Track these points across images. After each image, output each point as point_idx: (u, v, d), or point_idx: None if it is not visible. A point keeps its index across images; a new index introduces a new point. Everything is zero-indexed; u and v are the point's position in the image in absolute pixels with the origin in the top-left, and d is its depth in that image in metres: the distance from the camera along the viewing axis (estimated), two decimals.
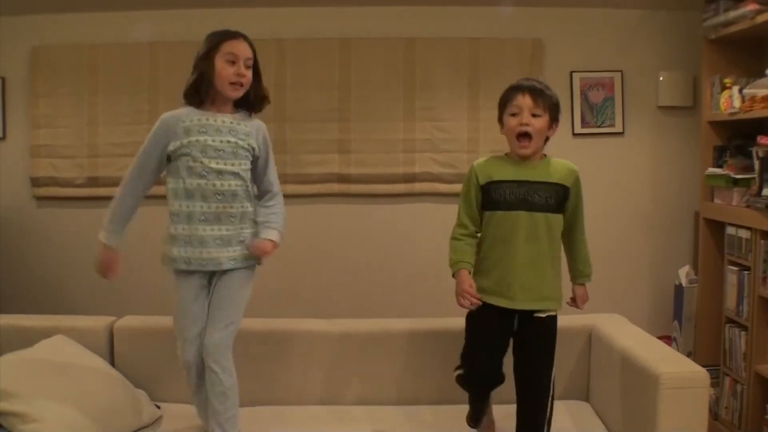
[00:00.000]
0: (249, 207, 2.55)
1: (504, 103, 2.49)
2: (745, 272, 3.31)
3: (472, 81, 4.01)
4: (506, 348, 2.49)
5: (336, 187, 4.06)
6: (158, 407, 2.76)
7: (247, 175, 2.53)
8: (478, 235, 2.54)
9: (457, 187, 3.96)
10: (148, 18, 4.03)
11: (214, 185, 2.44)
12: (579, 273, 2.60)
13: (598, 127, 4.07)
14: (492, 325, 2.46)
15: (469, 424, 2.66)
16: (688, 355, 3.70)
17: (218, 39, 2.47)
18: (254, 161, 2.55)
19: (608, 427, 2.69)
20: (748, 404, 3.27)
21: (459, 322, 2.80)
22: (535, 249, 2.43)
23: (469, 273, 2.47)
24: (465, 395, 2.64)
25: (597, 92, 4.06)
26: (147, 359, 2.90)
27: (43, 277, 4.11)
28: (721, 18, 3.43)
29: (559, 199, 2.46)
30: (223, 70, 2.44)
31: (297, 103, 3.99)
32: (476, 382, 2.52)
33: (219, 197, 2.46)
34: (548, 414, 2.51)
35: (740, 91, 3.36)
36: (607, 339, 2.78)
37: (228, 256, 2.48)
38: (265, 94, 2.58)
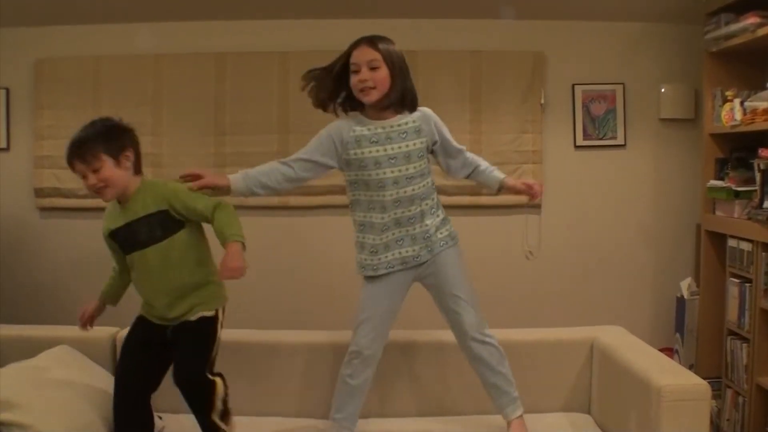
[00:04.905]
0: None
1: None
2: (747, 284, 3.32)
3: (474, 94, 4.02)
4: None
5: (339, 199, 4.05)
6: (160, 418, 2.76)
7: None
8: None
9: (460, 199, 4.03)
10: (152, 30, 4.05)
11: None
12: None
13: (600, 139, 4.08)
14: None
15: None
16: (690, 367, 3.69)
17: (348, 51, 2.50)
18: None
19: None
20: (749, 416, 3.27)
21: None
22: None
23: None
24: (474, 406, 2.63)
25: (599, 105, 4.07)
26: None
27: (47, 287, 4.11)
28: (723, 31, 3.45)
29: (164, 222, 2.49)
30: (351, 80, 2.47)
31: (301, 114, 4.01)
32: None
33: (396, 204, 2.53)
34: None
35: (741, 103, 3.37)
36: (609, 351, 2.78)
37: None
38: (400, 93, 2.52)
